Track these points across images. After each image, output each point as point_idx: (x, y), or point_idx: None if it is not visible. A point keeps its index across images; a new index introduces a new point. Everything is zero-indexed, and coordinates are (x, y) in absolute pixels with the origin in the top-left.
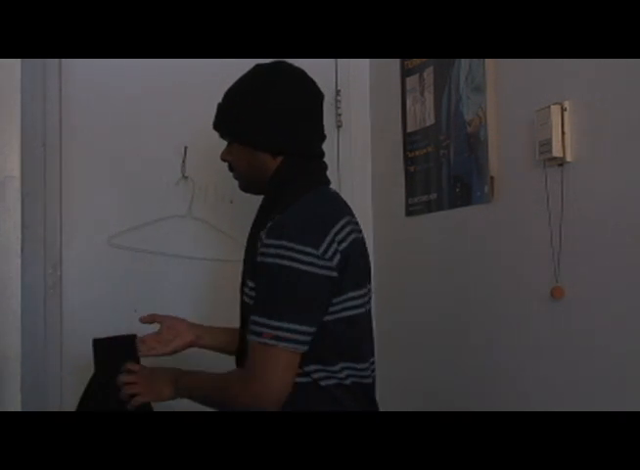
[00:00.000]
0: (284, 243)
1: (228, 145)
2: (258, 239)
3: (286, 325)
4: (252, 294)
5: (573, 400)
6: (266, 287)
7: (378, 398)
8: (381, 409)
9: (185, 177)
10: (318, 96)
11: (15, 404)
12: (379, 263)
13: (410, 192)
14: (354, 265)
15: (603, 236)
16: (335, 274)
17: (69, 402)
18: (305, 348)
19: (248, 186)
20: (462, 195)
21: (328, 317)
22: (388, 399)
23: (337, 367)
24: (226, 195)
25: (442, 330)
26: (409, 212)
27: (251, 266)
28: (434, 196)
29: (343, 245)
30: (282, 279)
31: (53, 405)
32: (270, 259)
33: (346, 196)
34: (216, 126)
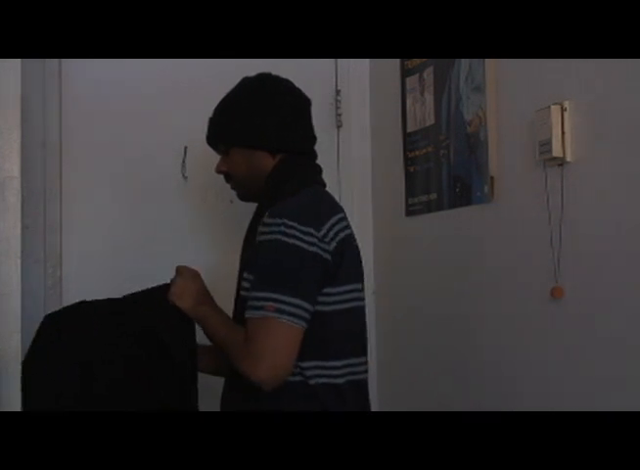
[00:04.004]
0: (286, 221)
1: (222, 157)
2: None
3: (288, 299)
4: (247, 285)
5: (574, 400)
6: (269, 263)
7: (377, 397)
8: (379, 409)
9: (185, 177)
10: (306, 100)
11: (15, 404)
12: (379, 263)
13: (410, 192)
14: (349, 259)
15: (603, 236)
16: (330, 258)
17: None
18: (305, 325)
19: (246, 193)
20: (462, 195)
21: (325, 308)
22: (388, 398)
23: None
24: (226, 195)
25: (442, 330)
26: (409, 212)
27: (248, 260)
28: (433, 196)
29: (341, 235)
30: (285, 255)
31: None
32: (273, 236)
33: (346, 196)
34: (210, 140)
